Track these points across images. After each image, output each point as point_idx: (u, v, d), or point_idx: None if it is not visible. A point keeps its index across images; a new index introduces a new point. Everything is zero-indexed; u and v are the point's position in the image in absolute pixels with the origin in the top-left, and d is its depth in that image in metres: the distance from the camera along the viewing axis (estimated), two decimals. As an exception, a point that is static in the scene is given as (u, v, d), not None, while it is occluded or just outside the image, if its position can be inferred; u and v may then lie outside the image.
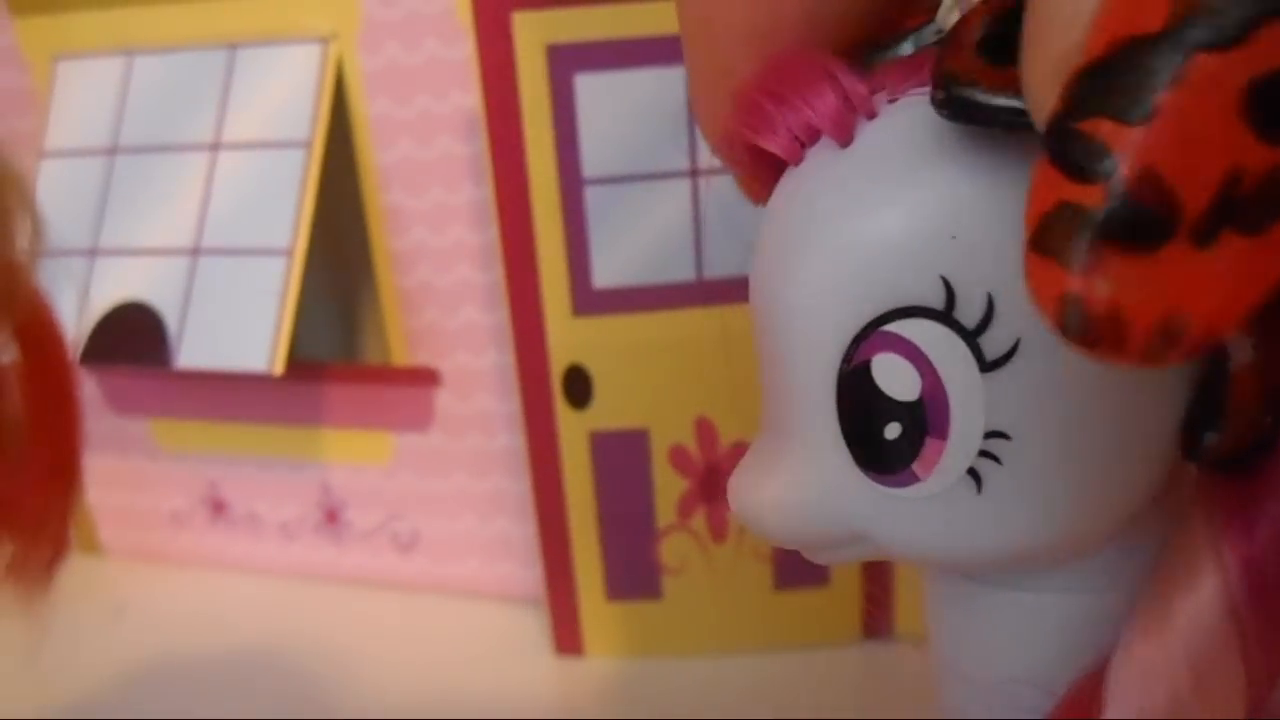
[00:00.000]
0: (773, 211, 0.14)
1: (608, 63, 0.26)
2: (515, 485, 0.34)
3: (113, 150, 0.33)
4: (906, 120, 0.13)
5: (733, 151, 0.14)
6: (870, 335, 0.12)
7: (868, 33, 0.14)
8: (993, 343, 0.12)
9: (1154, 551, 0.13)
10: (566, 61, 0.26)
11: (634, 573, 0.31)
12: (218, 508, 0.38)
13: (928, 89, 0.12)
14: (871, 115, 0.13)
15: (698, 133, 0.22)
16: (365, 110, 0.31)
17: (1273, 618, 0.12)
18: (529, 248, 0.28)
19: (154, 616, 0.36)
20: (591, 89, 0.27)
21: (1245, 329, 0.11)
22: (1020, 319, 0.12)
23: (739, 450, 0.28)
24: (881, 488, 0.13)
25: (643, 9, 0.26)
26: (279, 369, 0.30)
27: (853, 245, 0.12)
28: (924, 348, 0.12)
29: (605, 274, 0.28)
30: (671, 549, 0.30)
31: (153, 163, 0.33)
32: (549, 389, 0.29)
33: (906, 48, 0.14)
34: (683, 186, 0.27)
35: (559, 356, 0.29)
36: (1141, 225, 0.09)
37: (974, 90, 0.11)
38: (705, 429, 0.29)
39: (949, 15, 0.13)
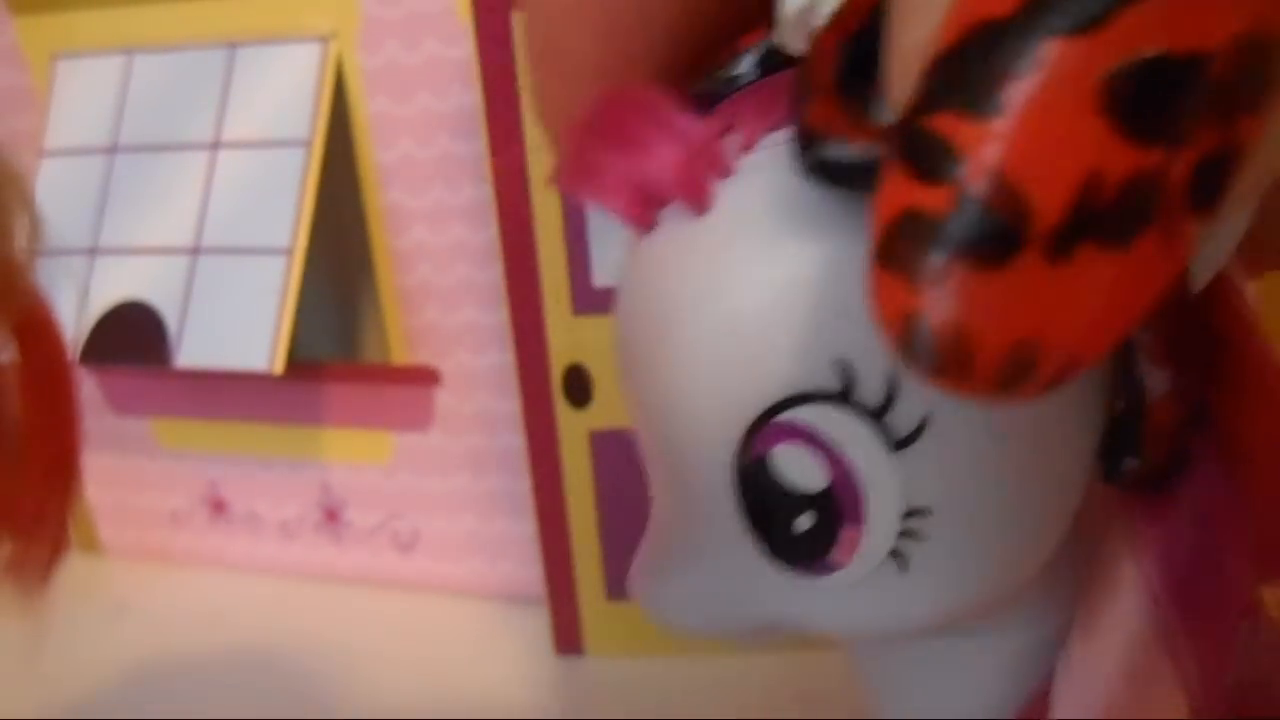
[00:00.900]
0: (632, 287, 0.12)
1: (608, 61, 0.26)
2: (515, 484, 0.34)
3: (112, 149, 0.33)
4: (769, 181, 0.11)
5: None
6: (764, 426, 0.11)
7: (709, 57, 0.12)
8: (900, 420, 0.11)
9: (1076, 572, 0.13)
10: (566, 60, 0.26)
11: (634, 572, 0.31)
12: (218, 507, 0.38)
13: (784, 132, 0.11)
14: (725, 173, 0.11)
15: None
16: (365, 109, 0.31)
17: (1196, 617, 0.12)
18: (529, 247, 0.28)
19: (154, 615, 0.36)
20: (591, 88, 0.27)
21: (1162, 363, 0.11)
22: (927, 393, 0.11)
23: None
24: (798, 577, 0.12)
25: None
26: (279, 368, 0.30)
27: (731, 330, 0.11)
28: (825, 435, 0.11)
29: (605, 273, 0.28)
30: (671, 548, 0.30)
31: (152, 162, 0.33)
32: (549, 388, 0.29)
33: (745, 65, 0.12)
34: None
35: (559, 356, 0.29)
36: (988, 236, 0.08)
37: (842, 149, 0.10)
38: (705, 428, 0.29)
39: (788, 29, 0.12)
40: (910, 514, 0.11)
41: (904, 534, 0.11)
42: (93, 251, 0.33)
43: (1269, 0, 0.07)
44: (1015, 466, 0.11)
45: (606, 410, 0.29)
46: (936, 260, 0.08)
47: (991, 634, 0.14)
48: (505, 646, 0.33)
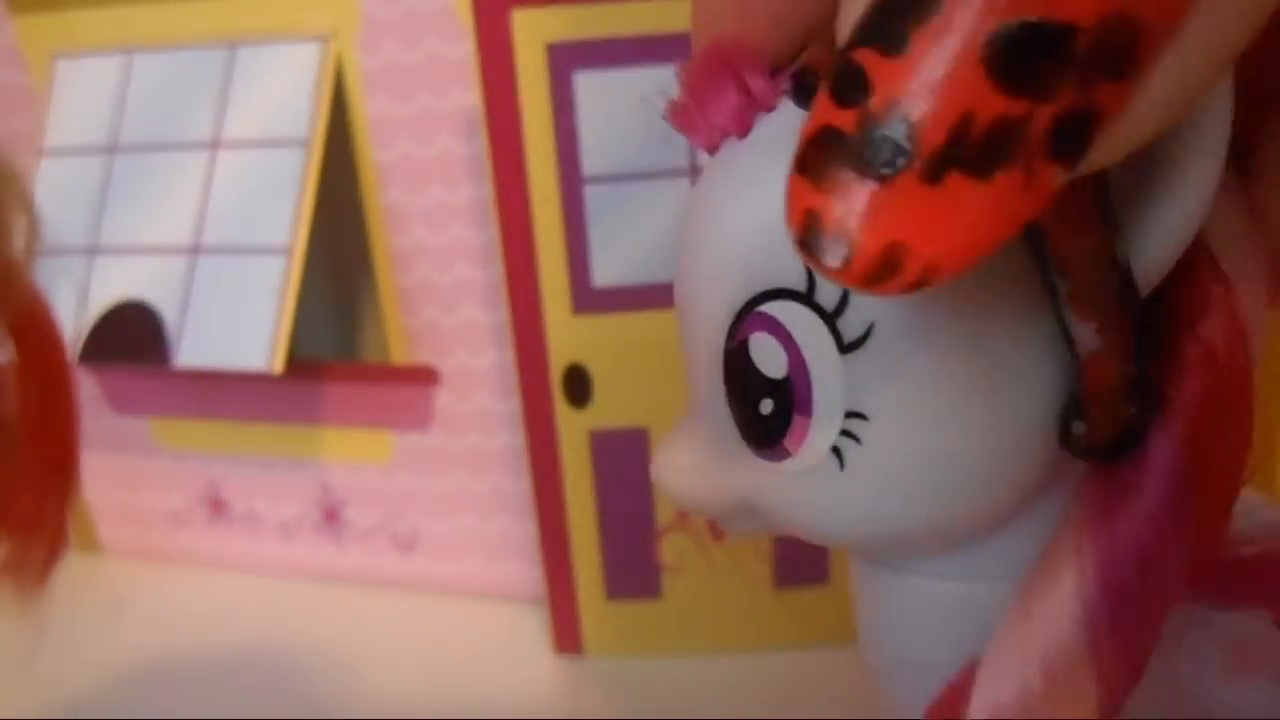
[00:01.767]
0: (691, 199, 0.15)
1: (607, 61, 0.26)
2: (515, 484, 0.34)
3: (112, 149, 0.33)
4: (788, 113, 0.13)
5: None
6: (747, 314, 0.13)
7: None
8: (849, 325, 0.12)
9: (1043, 542, 0.13)
10: (566, 60, 0.26)
11: (634, 572, 0.31)
12: (217, 506, 0.38)
13: None
14: (770, 109, 0.14)
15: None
16: (365, 109, 0.31)
17: (1125, 619, 0.12)
18: (529, 246, 0.28)
19: (153, 615, 0.36)
20: (591, 87, 0.27)
21: (1085, 316, 0.12)
22: (875, 304, 0.12)
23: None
24: (763, 462, 0.14)
25: (642, 7, 0.26)
26: (278, 368, 0.30)
27: (733, 228, 0.13)
28: (790, 328, 0.13)
29: (605, 273, 0.28)
30: (671, 548, 0.30)
31: (152, 161, 0.33)
32: (549, 388, 0.29)
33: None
34: (682, 185, 0.27)
35: (559, 355, 0.29)
36: (879, 156, 0.09)
37: (815, 77, 0.12)
38: (705, 428, 0.29)
39: None
40: (850, 415, 0.13)
41: (843, 433, 0.13)
42: (92, 251, 0.33)
43: None
44: (951, 395, 0.12)
45: (606, 410, 0.29)
46: (837, 171, 0.09)
47: (949, 580, 0.14)
48: (505, 646, 0.33)
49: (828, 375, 0.13)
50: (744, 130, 0.14)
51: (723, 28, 0.14)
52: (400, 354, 0.34)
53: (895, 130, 0.09)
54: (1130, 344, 0.12)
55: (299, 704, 0.31)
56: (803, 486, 0.13)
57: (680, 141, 0.27)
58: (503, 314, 0.29)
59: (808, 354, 0.13)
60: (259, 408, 0.36)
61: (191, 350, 0.31)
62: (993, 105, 0.09)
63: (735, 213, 0.13)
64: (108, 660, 0.33)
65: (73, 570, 0.39)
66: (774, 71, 0.14)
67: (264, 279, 0.31)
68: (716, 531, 0.30)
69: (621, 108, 0.27)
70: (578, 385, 0.29)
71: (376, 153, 0.32)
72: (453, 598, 0.36)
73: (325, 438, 0.36)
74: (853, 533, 0.14)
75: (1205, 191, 0.11)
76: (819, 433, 0.13)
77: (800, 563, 0.30)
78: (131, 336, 0.32)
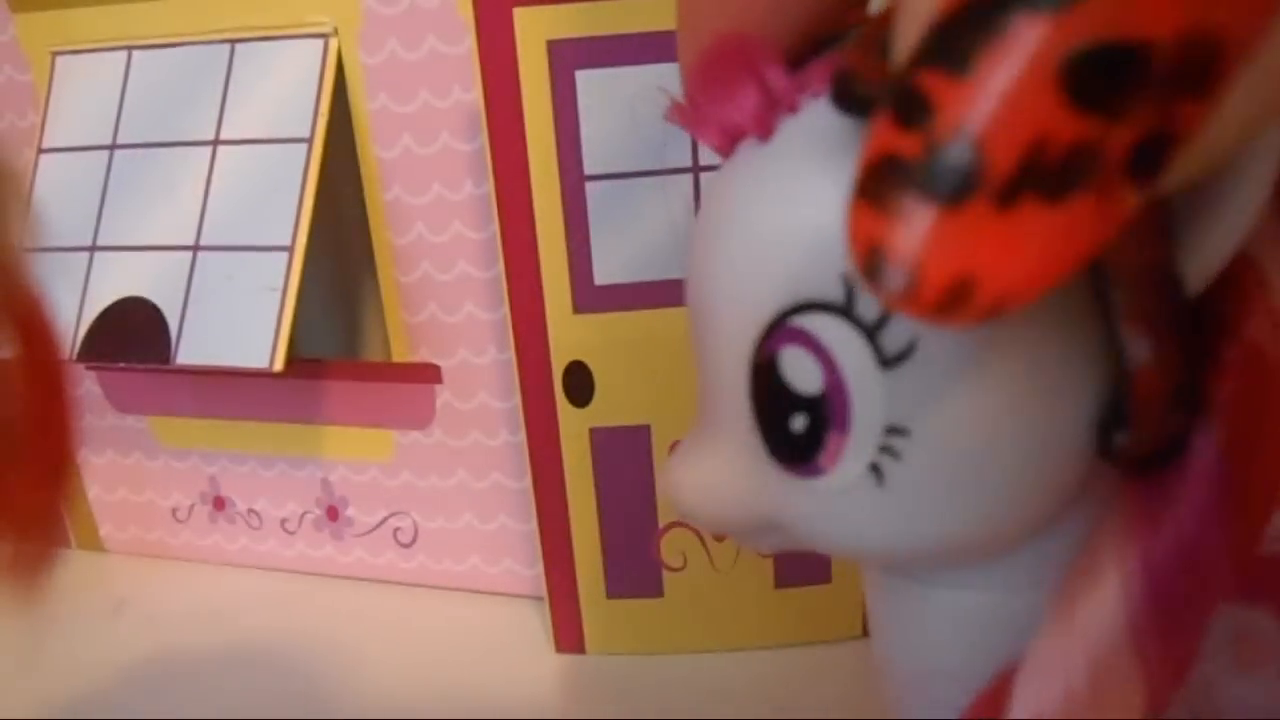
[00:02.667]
0: (702, 204, 0.14)
1: (609, 59, 0.26)
2: (516, 482, 0.34)
3: (112, 146, 0.33)
4: (821, 118, 0.13)
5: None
6: (779, 328, 0.13)
7: (821, 33, 0.14)
8: (891, 340, 0.12)
9: (1073, 551, 0.13)
10: (568, 57, 0.26)
11: (635, 570, 0.31)
12: (218, 504, 0.38)
13: None
14: (794, 111, 0.13)
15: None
16: (366, 106, 0.31)
17: (1171, 621, 0.12)
18: (530, 244, 0.28)
19: (154, 613, 0.36)
20: (593, 85, 0.27)
21: (1140, 329, 0.11)
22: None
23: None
24: (792, 478, 0.13)
25: (644, 5, 0.26)
26: (279, 366, 0.30)
27: (763, 237, 0.13)
28: (826, 342, 0.12)
29: (606, 271, 0.28)
30: (672, 546, 0.30)
31: (152, 159, 0.33)
32: (550, 386, 0.29)
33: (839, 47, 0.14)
34: (684, 183, 0.27)
35: (560, 353, 0.29)
36: (948, 180, 0.09)
37: (862, 85, 0.11)
38: (706, 426, 0.29)
39: (877, 7, 0.14)
40: (891, 431, 0.12)
41: (883, 449, 0.12)
42: (92, 249, 0.33)
43: (1216, 3, 0.09)
44: (996, 410, 0.12)
45: (608, 408, 0.29)
46: (903, 199, 0.09)
47: (976, 590, 0.14)
48: (506, 644, 0.33)
49: (867, 391, 0.12)
50: (766, 132, 0.13)
51: (714, 18, 0.13)
52: (401, 352, 0.34)
53: (963, 155, 0.09)
54: (1180, 354, 0.12)
55: (300, 701, 0.31)
56: (836, 504, 0.13)
57: (683, 140, 0.27)
58: (504, 312, 0.29)
59: (846, 369, 0.12)
60: (260, 406, 0.36)
61: (192, 348, 0.31)
62: (1068, 127, 0.09)
63: (765, 221, 0.13)
64: (109, 658, 0.33)
65: (74, 568, 0.39)
66: (789, 69, 0.13)
67: (265, 277, 0.31)
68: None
69: (623, 106, 0.27)
70: (579, 383, 0.29)
71: (378, 150, 0.32)
72: (453, 596, 0.36)
73: (326, 436, 0.36)
74: (888, 549, 0.13)
75: (1258, 198, 0.11)
76: (857, 450, 0.12)
77: (801, 561, 0.30)
78: (132, 334, 0.32)
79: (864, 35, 0.12)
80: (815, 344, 0.12)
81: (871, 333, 0.12)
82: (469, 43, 0.28)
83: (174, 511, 0.39)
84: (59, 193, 0.34)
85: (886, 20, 0.12)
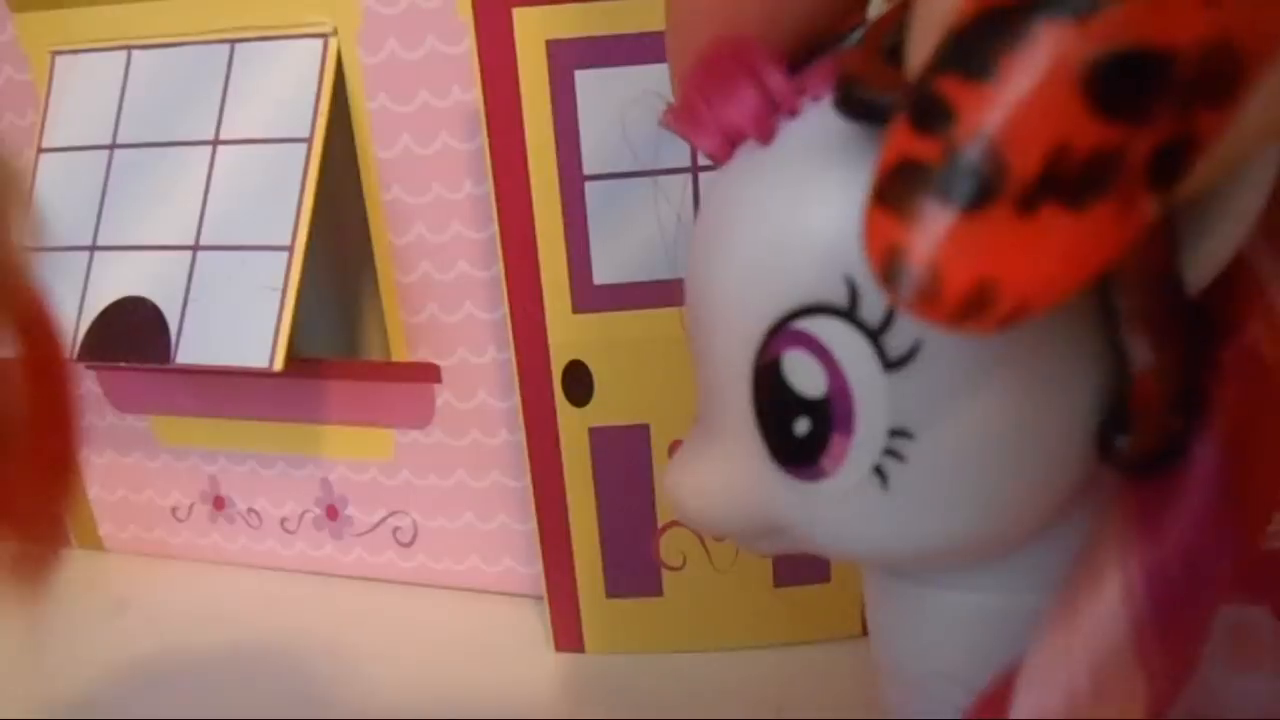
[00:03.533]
0: (702, 208, 0.14)
1: (608, 59, 0.26)
2: (515, 482, 0.34)
3: (112, 146, 0.33)
4: (823, 121, 0.13)
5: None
6: (781, 331, 0.13)
7: (818, 36, 0.14)
8: (894, 343, 0.12)
9: (1074, 553, 0.13)
10: (567, 57, 0.26)
11: (634, 569, 0.31)
12: (218, 504, 0.38)
13: None
14: (794, 114, 0.13)
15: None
16: (365, 106, 0.31)
17: (1174, 622, 0.12)
18: (529, 244, 0.28)
19: (154, 612, 0.36)
20: (592, 85, 0.27)
21: (1142, 333, 0.11)
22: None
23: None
24: (795, 481, 0.13)
25: (643, 5, 0.26)
26: (279, 365, 0.30)
27: (766, 241, 0.13)
28: (830, 345, 0.12)
29: (606, 270, 0.28)
30: (672, 545, 0.30)
31: (152, 158, 0.33)
32: (549, 385, 0.29)
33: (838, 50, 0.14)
34: (683, 183, 0.27)
35: (559, 353, 0.29)
36: (969, 185, 0.09)
37: (868, 91, 0.11)
38: (705, 426, 0.29)
39: (877, 10, 0.14)
40: (895, 433, 0.12)
41: (888, 452, 0.12)
42: (92, 248, 0.33)
43: (1238, 11, 0.09)
44: (999, 412, 0.12)
45: (607, 407, 0.29)
46: (922, 204, 0.09)
47: (977, 592, 0.14)
48: (505, 643, 0.33)
49: (871, 394, 0.12)
50: (766, 135, 0.13)
51: (707, 22, 0.13)
52: (401, 351, 0.34)
53: (984, 160, 0.09)
54: (1181, 357, 0.12)
55: (300, 701, 0.31)
56: (839, 506, 0.13)
57: (681, 140, 0.27)
58: (503, 312, 0.29)
59: (849, 372, 0.12)
60: (260, 405, 0.36)
61: (192, 348, 0.31)
62: (1090, 133, 0.09)
63: (767, 225, 0.13)
64: (109, 657, 0.33)
65: (74, 567, 0.39)
66: (788, 71, 0.13)
67: (265, 276, 0.31)
68: (717, 529, 0.30)
69: (622, 105, 0.27)
70: (578, 383, 0.29)
71: (377, 150, 0.32)
72: (453, 595, 0.36)
73: (326, 435, 0.36)
74: (892, 551, 0.13)
75: (1257, 203, 0.11)
76: (860, 452, 0.12)
77: (800, 561, 0.30)
78: (132, 334, 0.32)
79: (866, 39, 0.12)
80: (819, 347, 0.12)
81: (875, 335, 0.12)
82: (468, 43, 0.28)
83: (174, 511, 0.39)
84: (59, 192, 0.34)
85: (889, 23, 0.12)
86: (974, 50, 0.09)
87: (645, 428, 0.29)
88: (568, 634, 0.32)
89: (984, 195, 0.09)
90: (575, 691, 0.30)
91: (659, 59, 0.26)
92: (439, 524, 0.36)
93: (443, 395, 0.34)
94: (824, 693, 0.29)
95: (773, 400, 0.13)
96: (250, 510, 0.38)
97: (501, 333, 0.32)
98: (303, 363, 0.33)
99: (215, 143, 0.32)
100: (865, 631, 0.31)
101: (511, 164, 0.27)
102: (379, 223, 0.32)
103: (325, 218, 0.31)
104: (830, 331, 0.12)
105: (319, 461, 0.36)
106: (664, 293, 0.28)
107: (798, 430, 0.13)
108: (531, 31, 0.26)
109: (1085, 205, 0.09)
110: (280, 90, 0.31)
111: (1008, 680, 0.13)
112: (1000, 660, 0.14)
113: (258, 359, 0.31)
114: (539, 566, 0.31)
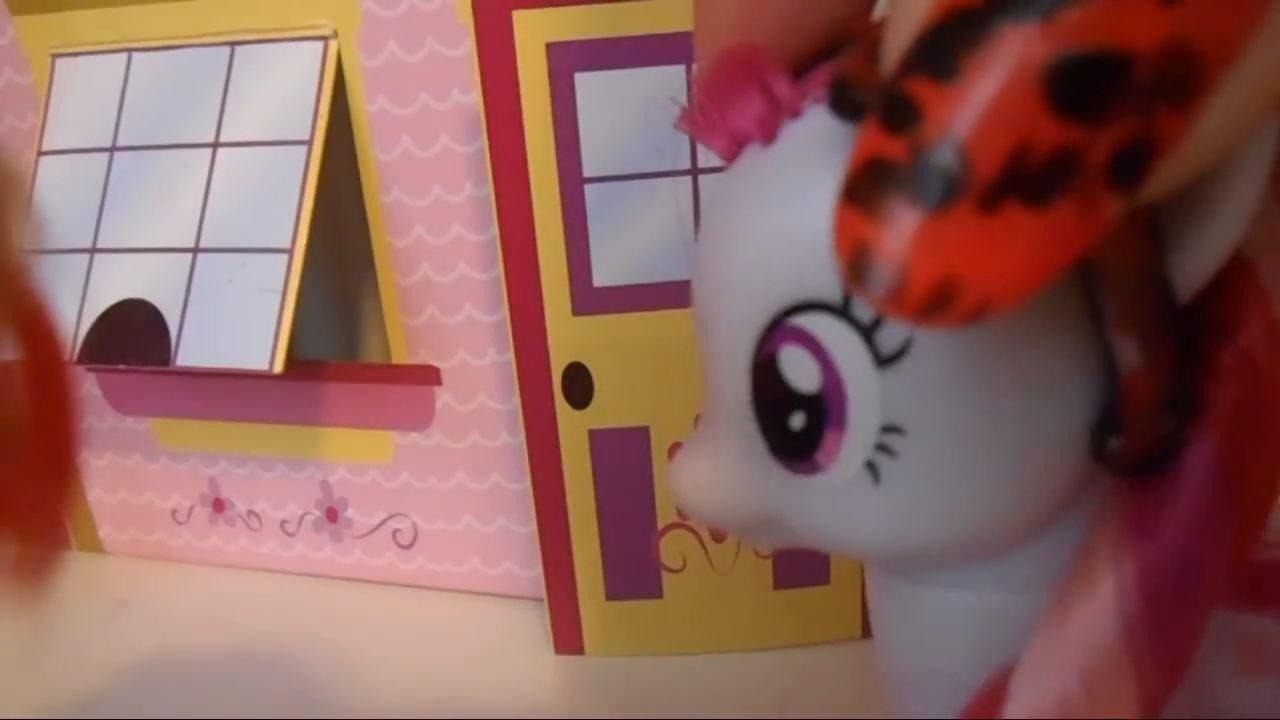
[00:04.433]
0: (707, 206, 0.15)
1: (608, 61, 0.26)
2: (515, 484, 0.34)
3: (112, 148, 0.33)
4: (821, 122, 0.13)
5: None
6: (778, 327, 0.13)
7: (834, 42, 0.14)
8: (886, 340, 0.12)
9: (1070, 553, 0.13)
10: (567, 60, 0.26)
11: (634, 571, 0.31)
12: (218, 506, 0.38)
13: None
14: (796, 115, 0.13)
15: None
16: (365, 108, 0.31)
17: (1166, 624, 0.12)
18: (529, 246, 0.28)
19: (154, 614, 0.36)
20: (592, 87, 0.27)
21: (1129, 333, 0.11)
22: None
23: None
24: (791, 476, 0.13)
25: (643, 7, 0.26)
26: (279, 368, 0.30)
27: (764, 238, 0.13)
28: (823, 342, 0.12)
29: (606, 273, 0.28)
30: (672, 547, 0.30)
31: (152, 161, 0.33)
32: (549, 388, 0.29)
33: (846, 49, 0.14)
34: (683, 185, 0.27)
35: (559, 355, 0.29)
36: (933, 184, 0.09)
37: (857, 90, 0.12)
38: (705, 428, 0.29)
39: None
40: (887, 429, 0.12)
41: (880, 448, 0.13)
42: (92, 251, 0.33)
43: (1197, 15, 0.09)
44: (991, 410, 0.12)
45: (607, 409, 0.29)
46: (889, 201, 0.09)
47: (974, 590, 0.14)
48: (505, 646, 0.33)
49: (863, 389, 0.12)
50: (769, 136, 0.13)
51: (729, 29, 0.14)
52: (401, 354, 0.34)
53: (949, 159, 0.09)
54: (1171, 359, 0.12)
55: (300, 703, 0.31)
56: (834, 501, 0.13)
57: (682, 142, 0.27)
58: (503, 314, 0.29)
59: (842, 368, 0.12)
60: (260, 408, 0.36)
61: (192, 350, 0.31)
62: (1051, 133, 0.09)
63: (764, 223, 0.13)
64: (109, 659, 0.33)
65: (75, 570, 0.39)
66: (795, 76, 0.13)
67: (265, 279, 0.31)
68: (717, 532, 0.30)
69: (622, 108, 0.27)
70: (578, 385, 0.29)
71: (377, 152, 0.32)
72: (453, 597, 0.36)
73: (326, 437, 0.36)
74: (885, 546, 0.14)
75: (1248, 206, 0.11)
76: (853, 447, 0.13)
77: (800, 562, 0.30)
78: (132, 336, 0.32)
79: (862, 43, 0.12)
80: (813, 343, 0.13)
81: (868, 332, 0.12)
82: (468, 45, 0.28)
83: (174, 513, 0.39)
84: (59, 195, 0.34)
85: (885, 27, 0.12)
86: (940, 51, 0.09)
87: (645, 430, 0.29)
88: (568, 636, 0.32)
89: (948, 193, 0.09)
90: (575, 694, 0.30)
91: (659, 61, 0.26)
92: (439, 526, 0.36)
93: (443, 397, 0.34)
94: (824, 695, 0.29)
95: (769, 395, 0.13)
96: (250, 512, 0.38)
97: (501, 335, 0.32)
98: (303, 365, 0.33)
99: (215, 145, 0.32)
100: (865, 633, 0.31)
101: (511, 166, 0.27)
102: (379, 225, 0.32)
103: (325, 220, 0.32)
104: (824, 328, 0.12)
105: (319, 464, 0.36)
106: (664, 295, 0.28)
107: (793, 425, 0.13)
108: (531, 34, 0.26)
109: (1046, 204, 0.09)
110: (280, 93, 0.31)
111: (1001, 680, 0.13)
112: (997, 660, 0.14)
113: (258, 361, 0.31)
114: (539, 569, 0.31)
